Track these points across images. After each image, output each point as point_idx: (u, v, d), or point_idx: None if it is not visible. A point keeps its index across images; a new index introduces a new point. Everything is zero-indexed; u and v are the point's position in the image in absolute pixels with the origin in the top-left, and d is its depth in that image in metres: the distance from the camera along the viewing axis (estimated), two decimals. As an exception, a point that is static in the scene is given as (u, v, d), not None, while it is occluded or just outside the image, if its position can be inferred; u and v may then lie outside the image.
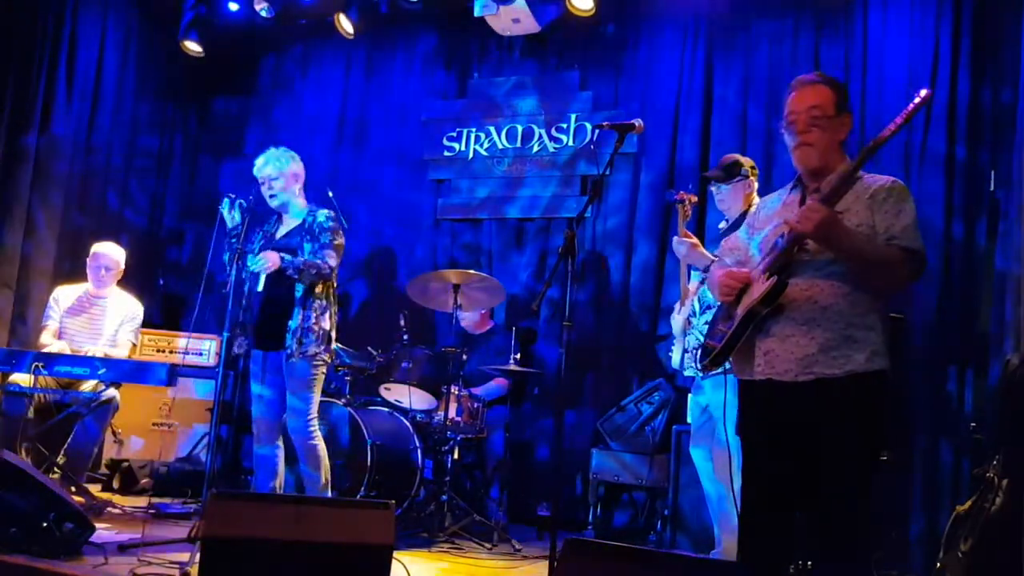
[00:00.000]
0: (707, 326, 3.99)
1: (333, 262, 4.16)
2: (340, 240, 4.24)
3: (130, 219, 6.58)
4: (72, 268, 5.65)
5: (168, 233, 6.89)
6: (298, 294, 4.11)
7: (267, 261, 4.00)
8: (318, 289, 4.16)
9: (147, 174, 6.72)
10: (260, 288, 4.09)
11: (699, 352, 3.19)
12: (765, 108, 5.25)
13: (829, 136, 2.55)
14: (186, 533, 3.73)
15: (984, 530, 3.07)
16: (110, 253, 5.13)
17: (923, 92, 2.43)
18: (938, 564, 3.31)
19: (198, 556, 3.09)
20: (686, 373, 4.10)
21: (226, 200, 4.12)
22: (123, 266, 5.19)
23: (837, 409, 2.41)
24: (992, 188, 4.67)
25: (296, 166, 4.27)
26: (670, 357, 4.36)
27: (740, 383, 2.65)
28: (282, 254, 4.05)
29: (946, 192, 4.64)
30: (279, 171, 4.20)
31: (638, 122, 3.25)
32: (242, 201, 4.12)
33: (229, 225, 4.15)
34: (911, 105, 2.41)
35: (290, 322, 4.08)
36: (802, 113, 2.56)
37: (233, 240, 4.13)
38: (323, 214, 4.26)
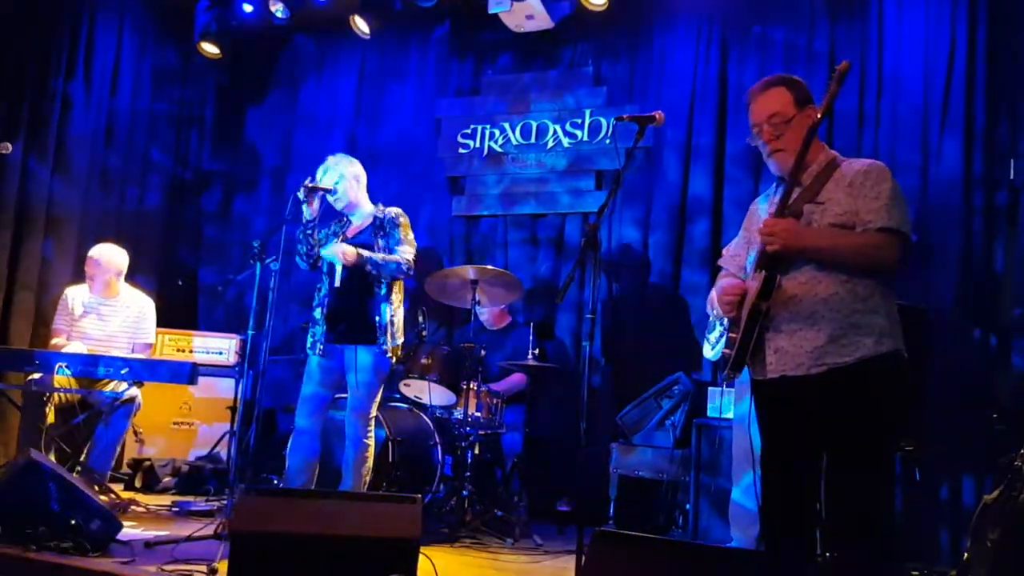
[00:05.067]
0: None
1: (410, 256, 4.28)
2: (412, 235, 4.36)
3: (149, 214, 6.63)
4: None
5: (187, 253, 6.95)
6: (383, 290, 4.19)
7: (343, 253, 4.08)
8: (397, 285, 4.26)
9: (163, 173, 6.77)
10: (337, 283, 4.16)
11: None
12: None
13: (796, 134, 2.54)
14: (211, 530, 3.75)
15: (1012, 519, 3.06)
16: (102, 258, 5.05)
17: (842, 63, 2.46)
18: (965, 555, 3.30)
19: (225, 552, 3.13)
20: None
21: (303, 188, 4.15)
22: (122, 266, 5.13)
23: (852, 395, 2.41)
24: (1012, 177, 4.66)
25: (355, 168, 4.38)
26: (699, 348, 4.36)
27: (754, 383, 2.66)
28: (359, 250, 4.13)
29: (965, 183, 4.62)
30: (340, 176, 4.28)
31: (659, 114, 3.24)
32: (326, 189, 4.20)
33: (307, 217, 4.21)
34: (833, 85, 2.44)
35: (378, 317, 4.16)
36: (764, 123, 2.59)
37: (309, 233, 4.21)
38: (393, 211, 4.37)
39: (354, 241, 4.27)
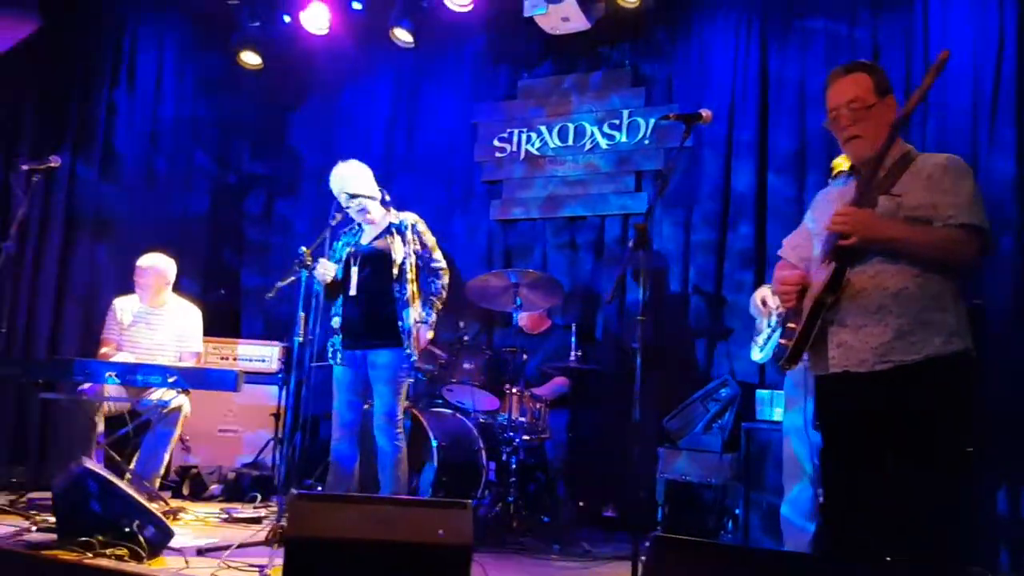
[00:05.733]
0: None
1: (443, 264, 4.41)
2: (433, 237, 4.43)
3: (194, 219, 6.72)
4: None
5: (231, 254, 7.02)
6: (405, 294, 4.22)
7: (419, 342, 4.25)
8: (416, 286, 4.30)
9: (207, 178, 6.87)
10: (353, 292, 4.21)
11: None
12: (823, 102, 5.12)
13: (876, 123, 2.49)
14: (262, 536, 3.77)
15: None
16: (152, 267, 5.10)
17: (943, 53, 2.40)
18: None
19: (276, 558, 3.13)
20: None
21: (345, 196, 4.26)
22: (170, 276, 5.18)
23: (919, 395, 2.35)
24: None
25: (367, 173, 4.37)
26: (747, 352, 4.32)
27: (816, 379, 2.61)
28: (426, 319, 4.28)
29: (1018, 176, 4.51)
30: (356, 184, 4.28)
31: (705, 112, 3.20)
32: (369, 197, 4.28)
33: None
34: (930, 76, 2.38)
35: (400, 323, 4.20)
36: (843, 107, 2.52)
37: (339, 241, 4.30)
38: (409, 217, 4.38)
39: (368, 249, 4.29)
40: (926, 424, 2.34)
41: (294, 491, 2.97)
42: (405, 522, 2.95)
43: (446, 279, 4.44)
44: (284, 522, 3.67)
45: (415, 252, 4.34)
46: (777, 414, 4.49)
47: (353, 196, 4.26)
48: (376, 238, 4.35)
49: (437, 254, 4.45)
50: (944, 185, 2.40)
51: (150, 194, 6.38)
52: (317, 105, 6.99)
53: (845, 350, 2.44)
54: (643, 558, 2.81)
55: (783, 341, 2.64)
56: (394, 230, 4.33)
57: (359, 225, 4.42)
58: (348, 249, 4.35)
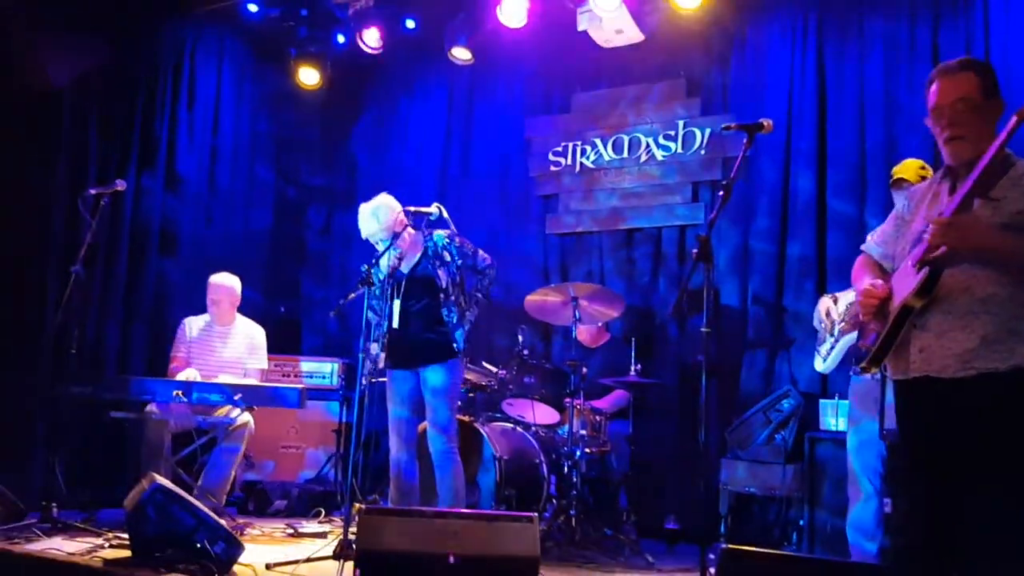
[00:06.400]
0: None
1: (488, 260, 4.39)
2: (464, 242, 4.38)
3: (257, 233, 6.88)
4: (201, 301, 5.90)
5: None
6: (454, 317, 4.24)
7: None
8: (467, 306, 4.30)
9: (268, 193, 7.04)
10: (396, 325, 4.22)
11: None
12: (883, 107, 5.08)
13: (980, 125, 2.42)
14: (329, 551, 3.81)
15: None
16: (224, 284, 5.24)
17: None
18: None
19: (344, 572, 3.17)
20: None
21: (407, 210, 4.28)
22: (239, 294, 5.30)
23: (1003, 405, 2.28)
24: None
25: (390, 206, 4.30)
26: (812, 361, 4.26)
27: (896, 384, 2.55)
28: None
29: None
30: (381, 226, 4.25)
31: (767, 121, 3.15)
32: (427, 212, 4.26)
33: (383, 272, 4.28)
34: None
35: (455, 344, 4.23)
36: (948, 105, 2.44)
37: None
38: (440, 236, 4.34)
39: (412, 275, 4.29)
40: (1008, 435, 2.27)
41: (361, 505, 3.00)
42: (473, 535, 2.98)
43: (493, 272, 4.41)
44: (351, 536, 3.73)
45: (457, 268, 4.31)
46: (841, 424, 4.42)
47: (381, 236, 4.24)
48: (417, 265, 4.33)
49: (481, 253, 4.39)
50: None
51: (213, 211, 6.54)
52: (375, 119, 7.10)
53: (927, 355, 2.38)
54: (711, 570, 2.79)
55: (863, 343, 2.60)
56: (431, 253, 4.31)
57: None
58: (384, 275, 4.27)
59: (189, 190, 6.36)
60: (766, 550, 2.37)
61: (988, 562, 2.29)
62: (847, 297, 4.13)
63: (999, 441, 2.28)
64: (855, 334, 4.02)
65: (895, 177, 3.90)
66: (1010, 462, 2.27)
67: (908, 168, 3.87)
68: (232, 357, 5.20)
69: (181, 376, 4.93)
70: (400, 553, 2.90)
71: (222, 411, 4.87)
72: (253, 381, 5.12)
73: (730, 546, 2.33)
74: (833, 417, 4.54)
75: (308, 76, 6.50)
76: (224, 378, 4.97)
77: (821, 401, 4.68)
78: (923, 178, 3.71)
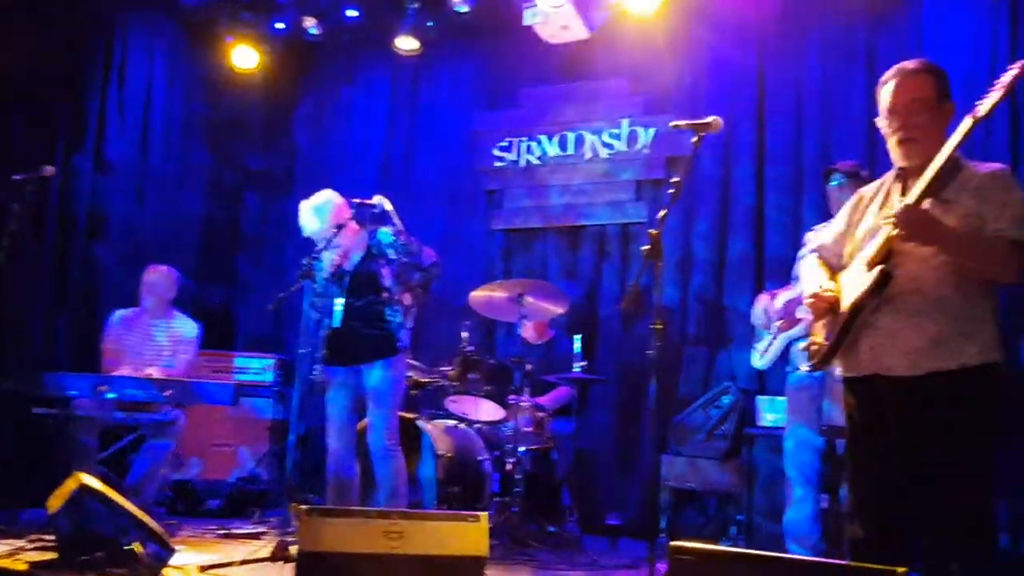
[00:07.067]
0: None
1: (434, 259, 4.28)
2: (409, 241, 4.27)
3: (183, 237, 6.63)
4: (132, 291, 5.69)
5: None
6: (397, 318, 4.15)
7: None
8: (409, 301, 4.21)
9: (198, 186, 6.79)
10: (339, 324, 4.13)
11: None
12: (820, 108, 5.18)
13: (933, 128, 2.43)
14: (266, 552, 3.69)
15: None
16: (159, 276, 5.11)
17: (1020, 62, 2.30)
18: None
19: (282, 574, 3.07)
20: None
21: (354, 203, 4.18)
22: (175, 286, 5.17)
23: (951, 404, 2.32)
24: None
25: (333, 203, 4.20)
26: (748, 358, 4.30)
27: (845, 380, 2.58)
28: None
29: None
30: (324, 225, 4.15)
31: (714, 120, 3.15)
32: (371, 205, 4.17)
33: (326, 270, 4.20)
34: (1008, 77, 2.29)
35: (399, 343, 4.14)
36: (904, 106, 2.45)
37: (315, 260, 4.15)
38: (385, 233, 4.25)
39: (355, 271, 4.21)
40: (955, 433, 2.31)
41: (303, 506, 2.90)
42: (419, 535, 2.91)
43: (438, 270, 4.34)
44: (290, 537, 3.62)
45: (401, 266, 4.21)
46: (778, 420, 4.48)
47: (322, 231, 4.14)
48: (361, 262, 4.24)
49: (426, 250, 4.30)
50: (993, 197, 2.35)
51: (145, 194, 6.30)
52: (316, 105, 6.91)
53: (877, 353, 2.41)
54: (659, 566, 2.78)
55: (812, 340, 2.61)
56: (375, 250, 4.22)
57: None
58: (326, 271, 4.21)
59: (120, 173, 6.10)
60: (718, 547, 2.36)
61: (938, 549, 2.34)
62: (785, 295, 4.19)
63: (946, 437, 2.32)
64: (793, 331, 4.10)
65: (829, 173, 3.96)
66: (956, 456, 2.32)
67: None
68: (165, 352, 5.04)
69: (111, 372, 4.75)
70: (343, 555, 2.81)
71: (152, 407, 4.70)
72: (180, 374, 4.97)
73: (679, 543, 2.30)
74: (770, 413, 4.60)
75: (244, 58, 6.27)
76: (155, 373, 4.81)
77: (758, 397, 4.75)
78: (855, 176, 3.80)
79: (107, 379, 4.48)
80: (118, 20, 6.17)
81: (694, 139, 3.18)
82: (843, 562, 2.39)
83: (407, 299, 4.22)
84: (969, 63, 4.71)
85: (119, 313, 5.11)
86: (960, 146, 2.32)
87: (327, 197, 4.22)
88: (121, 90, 6.17)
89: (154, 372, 4.85)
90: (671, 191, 3.08)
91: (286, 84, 6.88)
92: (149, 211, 6.31)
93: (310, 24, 5.97)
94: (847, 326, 2.45)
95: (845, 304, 2.48)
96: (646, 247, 3.05)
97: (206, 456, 5.75)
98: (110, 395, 4.39)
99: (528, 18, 5.42)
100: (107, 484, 4.44)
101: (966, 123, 2.30)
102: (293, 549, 3.39)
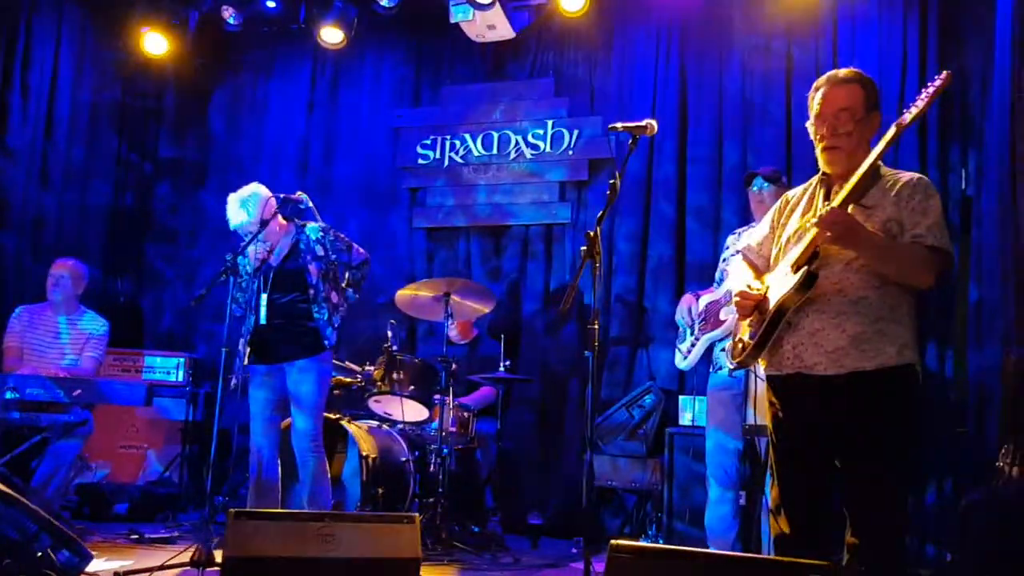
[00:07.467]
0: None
1: (364, 256, 4.28)
2: (338, 237, 4.23)
3: (91, 227, 6.34)
4: (36, 283, 5.40)
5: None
6: (324, 315, 4.08)
7: None
8: (336, 299, 4.12)
9: (107, 175, 6.50)
10: (264, 321, 4.05)
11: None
12: (742, 114, 5.32)
13: (858, 137, 2.51)
14: (185, 557, 3.56)
15: (997, 519, 3.14)
16: (66, 270, 4.89)
17: (944, 74, 2.39)
18: (949, 558, 3.36)
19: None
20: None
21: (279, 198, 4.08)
22: (84, 282, 4.98)
23: (870, 403, 2.40)
24: (963, 187, 4.82)
25: (261, 196, 4.09)
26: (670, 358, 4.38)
27: (769, 378, 2.65)
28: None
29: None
30: (252, 218, 4.02)
31: (650, 123, 3.21)
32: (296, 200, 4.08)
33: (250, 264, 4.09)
34: (932, 88, 2.37)
35: (326, 342, 4.07)
36: (832, 115, 2.52)
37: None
38: (314, 229, 4.18)
39: (282, 268, 4.12)
40: (874, 431, 2.40)
41: (232, 510, 2.81)
42: (351, 538, 2.86)
43: (368, 268, 4.33)
44: (212, 542, 3.51)
45: (329, 263, 4.16)
46: (699, 419, 4.58)
47: (250, 225, 4.02)
48: (288, 258, 4.15)
49: (356, 248, 4.26)
50: (912, 203, 2.45)
51: (50, 182, 5.99)
52: (233, 95, 6.70)
53: (800, 352, 2.48)
54: (595, 566, 2.81)
55: (737, 338, 2.67)
56: (303, 246, 4.13)
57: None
58: (253, 266, 4.09)
59: (22, 160, 5.79)
60: (655, 546, 2.40)
61: (866, 540, 2.40)
62: (708, 296, 4.28)
63: (867, 434, 2.41)
64: (715, 332, 4.18)
65: (747, 175, 4.09)
66: (877, 452, 2.41)
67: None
68: (72, 350, 4.81)
69: (15, 371, 4.52)
70: (272, 559, 2.74)
71: (57, 407, 4.48)
72: (87, 373, 4.76)
73: (617, 542, 2.33)
74: (691, 412, 4.70)
75: (156, 45, 6.01)
76: (62, 372, 4.59)
77: (680, 397, 4.84)
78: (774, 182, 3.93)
79: (11, 378, 4.29)
80: (23, 3, 5.85)
81: (631, 141, 3.25)
82: (773, 557, 2.46)
83: (334, 297, 4.15)
84: (878, 76, 4.92)
85: (23, 308, 4.88)
86: (883, 153, 2.40)
87: (254, 189, 4.11)
88: (25, 73, 5.85)
89: (62, 371, 4.65)
90: (608, 192, 3.12)
91: (202, 72, 6.64)
92: (54, 200, 6.01)
93: (228, 15, 5.78)
94: (772, 325, 2.52)
95: (771, 304, 2.55)
96: (584, 247, 3.07)
97: (113, 458, 5.54)
98: (10, 395, 4.17)
99: (455, 15, 5.40)
100: (10, 488, 4.24)
101: (891, 132, 2.40)
102: (217, 553, 3.30)
